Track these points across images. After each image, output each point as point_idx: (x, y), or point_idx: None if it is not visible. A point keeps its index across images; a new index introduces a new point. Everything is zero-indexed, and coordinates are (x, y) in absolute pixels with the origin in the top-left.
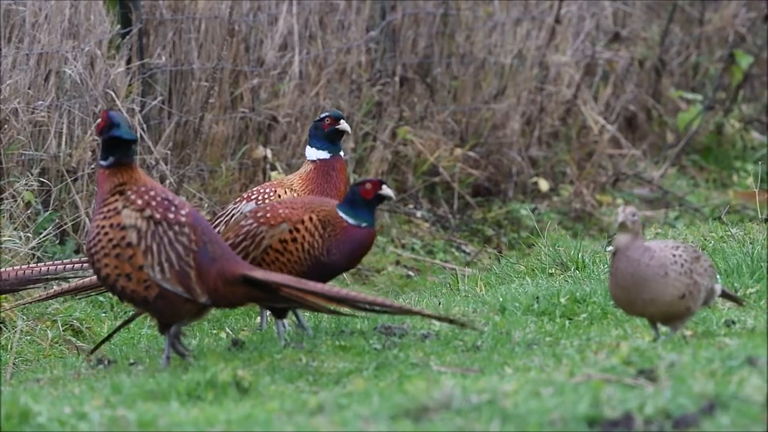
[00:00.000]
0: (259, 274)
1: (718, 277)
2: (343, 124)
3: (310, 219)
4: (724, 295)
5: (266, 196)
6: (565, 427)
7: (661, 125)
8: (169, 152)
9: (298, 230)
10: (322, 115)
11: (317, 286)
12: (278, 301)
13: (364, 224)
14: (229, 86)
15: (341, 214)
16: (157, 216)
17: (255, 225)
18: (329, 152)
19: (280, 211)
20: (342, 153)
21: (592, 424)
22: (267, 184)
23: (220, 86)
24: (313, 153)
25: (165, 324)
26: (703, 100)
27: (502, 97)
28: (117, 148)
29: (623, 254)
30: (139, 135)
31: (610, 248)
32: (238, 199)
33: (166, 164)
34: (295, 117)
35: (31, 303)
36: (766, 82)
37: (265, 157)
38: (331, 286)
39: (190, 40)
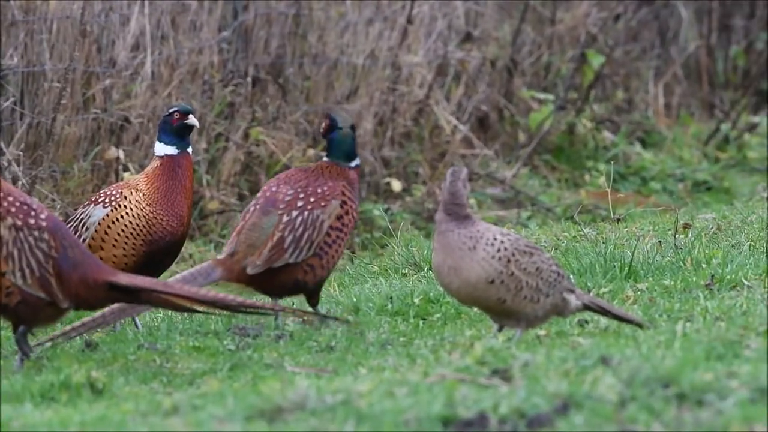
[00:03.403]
0: (124, 279)
1: (578, 290)
2: (192, 119)
3: (344, 186)
4: (607, 314)
5: (112, 198)
6: (419, 427)
7: (513, 125)
8: (21, 153)
9: (345, 203)
10: (171, 110)
11: (183, 289)
12: (140, 303)
13: (352, 164)
14: (81, 87)
15: (338, 163)
16: (18, 222)
17: (305, 213)
18: (177, 148)
19: (318, 190)
20: (190, 149)
21: (446, 424)
22: (113, 186)
23: (72, 87)
24: (160, 148)
25: (19, 326)
26: (555, 99)
27: (355, 98)
28: None
29: (437, 216)
30: None
31: None
32: (87, 202)
33: (18, 165)
34: (148, 118)
35: None
36: (617, 82)
37: (118, 158)
38: (198, 289)
39: (42, 41)
